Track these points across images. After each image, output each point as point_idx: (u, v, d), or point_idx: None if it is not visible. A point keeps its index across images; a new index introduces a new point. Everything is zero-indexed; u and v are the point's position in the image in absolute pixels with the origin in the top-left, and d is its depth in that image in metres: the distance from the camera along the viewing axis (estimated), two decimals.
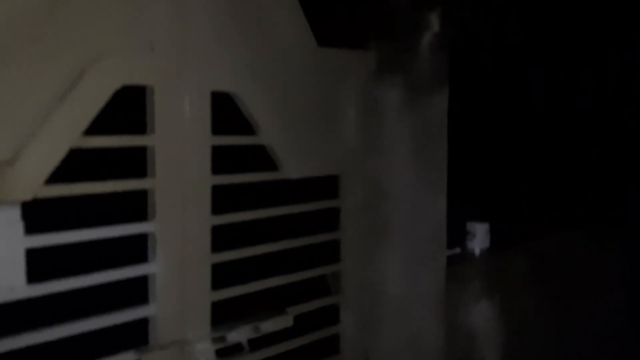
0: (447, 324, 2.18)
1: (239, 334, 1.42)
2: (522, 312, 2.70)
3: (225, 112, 1.47)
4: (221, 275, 1.48)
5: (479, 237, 2.63)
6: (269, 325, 1.50)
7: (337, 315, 1.80)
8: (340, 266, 1.79)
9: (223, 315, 1.48)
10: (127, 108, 1.31)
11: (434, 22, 2.03)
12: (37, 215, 1.16)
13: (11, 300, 1.13)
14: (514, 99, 3.03)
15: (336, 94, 1.75)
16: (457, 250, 2.57)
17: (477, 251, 2.62)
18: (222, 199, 1.48)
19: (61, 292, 1.20)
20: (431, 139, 2.08)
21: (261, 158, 1.59)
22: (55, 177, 1.18)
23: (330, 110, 1.75)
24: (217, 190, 1.46)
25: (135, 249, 1.34)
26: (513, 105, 3.03)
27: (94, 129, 1.23)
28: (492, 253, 2.63)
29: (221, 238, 1.48)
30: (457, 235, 2.57)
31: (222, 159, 1.47)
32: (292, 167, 1.62)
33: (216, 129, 1.44)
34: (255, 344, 1.52)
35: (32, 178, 1.14)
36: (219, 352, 1.43)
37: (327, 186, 1.79)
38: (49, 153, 1.16)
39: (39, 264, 1.17)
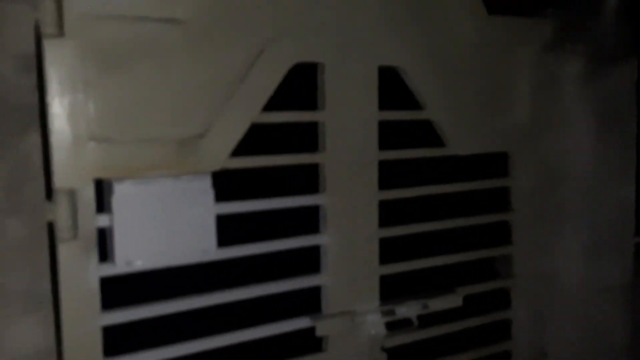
0: (634, 320, 1.97)
1: (408, 309, 1.43)
2: None
3: (392, 87, 1.49)
4: (389, 251, 1.50)
5: None
6: (438, 304, 1.48)
7: (507, 301, 1.72)
8: (512, 249, 1.71)
9: (390, 290, 1.50)
10: (301, 85, 1.38)
11: None
12: (224, 185, 1.29)
13: (203, 261, 1.26)
14: None
15: (507, 66, 1.67)
16: None
17: None
18: (388, 175, 1.49)
19: (244, 257, 1.31)
20: (617, 114, 1.88)
21: (427, 134, 1.58)
22: (239, 150, 1.30)
23: (500, 84, 1.67)
24: (384, 166, 1.48)
25: (309, 221, 1.42)
26: None
27: (270, 105, 1.32)
28: None
29: (388, 215, 1.50)
30: None
31: (388, 135, 1.49)
32: (460, 144, 1.59)
33: (383, 105, 1.46)
34: (423, 321, 1.51)
35: (220, 151, 1.26)
36: (387, 326, 1.45)
37: (496, 164, 1.71)
38: (233, 128, 1.27)
39: (226, 230, 1.29)
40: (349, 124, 1.42)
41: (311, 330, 1.39)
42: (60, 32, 1.09)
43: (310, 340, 1.41)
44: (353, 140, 1.42)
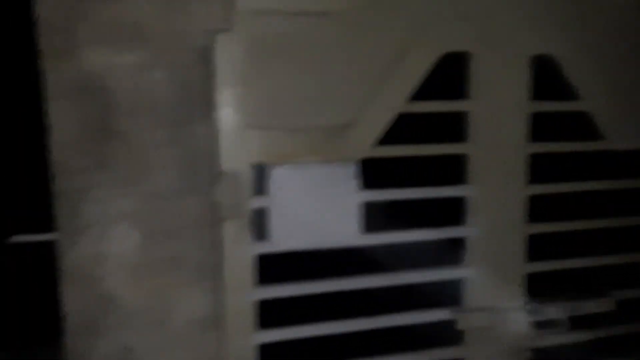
0: None
1: (558, 310, 1.36)
2: None
3: (545, 77, 1.42)
4: (536, 249, 1.44)
5: None
6: (591, 306, 1.39)
7: None
8: None
9: (535, 289, 1.44)
10: (446, 75, 1.38)
11: None
12: (368, 173, 1.32)
13: (347, 246, 1.31)
14: None
15: None
16: None
17: None
18: (539, 169, 1.43)
19: (387, 245, 1.34)
20: None
21: (582, 126, 1.49)
22: (384, 139, 1.32)
23: None
24: (534, 159, 1.42)
25: (452, 212, 1.41)
26: None
27: (417, 94, 1.33)
28: None
29: (537, 210, 1.44)
30: None
31: (540, 126, 1.42)
32: (619, 137, 1.48)
33: (536, 95, 1.41)
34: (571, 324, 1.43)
35: (366, 140, 1.30)
36: (533, 325, 1.39)
37: None
38: (379, 117, 1.30)
39: (369, 217, 1.32)
40: (497, 115, 1.38)
41: (450, 322, 1.38)
42: (229, 27, 1.19)
43: (447, 332, 1.41)
44: (501, 131, 1.39)
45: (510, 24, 1.38)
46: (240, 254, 1.23)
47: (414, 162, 1.39)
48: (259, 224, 1.29)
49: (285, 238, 1.26)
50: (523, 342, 1.42)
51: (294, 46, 1.24)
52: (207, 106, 1.15)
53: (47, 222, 1.09)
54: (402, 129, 1.35)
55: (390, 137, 1.34)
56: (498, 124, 1.39)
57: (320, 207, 1.28)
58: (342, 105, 1.29)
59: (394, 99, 1.32)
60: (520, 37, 1.39)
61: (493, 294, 1.40)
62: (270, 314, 1.29)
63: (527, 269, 1.43)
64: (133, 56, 1.10)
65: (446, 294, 1.41)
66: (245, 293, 1.23)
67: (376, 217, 1.35)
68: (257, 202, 1.26)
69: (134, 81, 1.10)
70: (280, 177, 1.26)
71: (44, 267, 1.13)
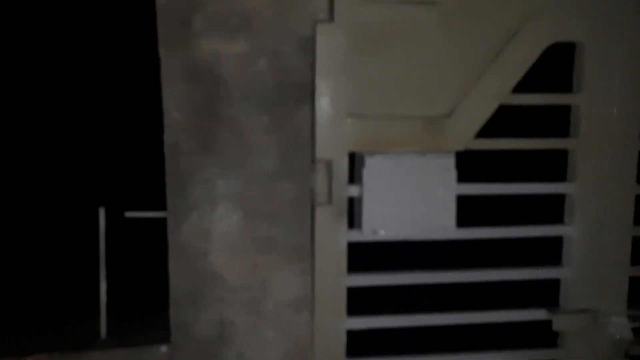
0: None
1: None
2: None
3: None
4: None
5: None
6: None
7: None
8: None
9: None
10: (549, 66, 1.32)
11: None
12: (466, 166, 1.30)
13: (442, 239, 1.30)
14: None
15: None
16: None
17: None
18: None
19: (481, 239, 1.32)
20: None
21: None
22: (484, 131, 1.30)
23: None
24: None
25: (551, 209, 1.36)
26: None
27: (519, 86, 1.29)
28: None
29: None
30: None
31: None
32: None
33: None
34: None
35: (465, 131, 1.28)
36: (636, 331, 1.32)
37: None
38: (480, 109, 1.28)
39: (466, 211, 1.30)
40: (607, 109, 1.31)
41: (545, 323, 1.34)
42: (331, 17, 1.21)
43: (542, 333, 1.36)
44: (611, 126, 1.32)
45: (624, 16, 1.30)
46: (333, 240, 1.26)
47: (512, 156, 1.35)
48: (352, 212, 1.31)
49: (378, 228, 1.27)
50: (622, 349, 1.35)
51: (396, 35, 1.25)
52: (307, 94, 1.18)
53: (160, 200, 1.17)
54: (500, 121, 1.32)
55: (487, 129, 1.31)
56: (608, 119, 1.32)
57: (415, 198, 1.28)
58: (442, 95, 1.28)
59: (496, 90, 1.28)
60: (634, 29, 1.31)
61: (592, 297, 1.34)
62: (357, 301, 1.31)
63: (632, 272, 1.35)
64: (240, 45, 1.16)
65: (542, 294, 1.37)
66: (337, 279, 1.26)
67: (470, 211, 1.33)
68: (351, 190, 1.28)
69: (240, 69, 1.15)
70: (375, 166, 1.27)
71: (155, 242, 1.22)
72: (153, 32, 1.10)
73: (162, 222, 1.17)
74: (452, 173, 1.29)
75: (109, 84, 1.59)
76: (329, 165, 1.25)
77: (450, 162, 1.29)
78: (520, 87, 1.30)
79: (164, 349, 1.19)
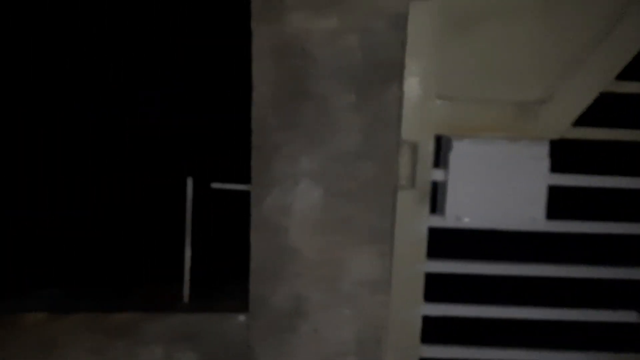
0: None
1: None
2: None
3: None
4: None
5: None
6: None
7: None
8: None
9: None
10: None
11: None
12: (561, 155, 1.23)
13: (530, 230, 1.25)
14: None
15: None
16: None
17: None
18: None
19: (573, 234, 1.25)
20: None
21: None
22: (582, 120, 1.22)
23: None
24: None
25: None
26: None
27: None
28: None
29: None
30: None
31: None
32: None
33: None
34: None
35: (562, 119, 1.21)
36: None
37: None
38: (580, 95, 1.21)
39: (558, 202, 1.24)
40: None
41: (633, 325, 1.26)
42: None
43: (631, 336, 1.28)
44: None
45: None
46: (414, 224, 1.24)
47: (610, 147, 1.27)
48: (435, 197, 1.28)
49: (462, 214, 1.23)
50: None
51: (492, 15, 1.19)
52: (396, 73, 1.16)
53: (245, 174, 1.20)
54: (597, 110, 1.24)
55: (584, 117, 1.23)
56: None
57: (503, 187, 1.23)
58: (539, 80, 1.22)
59: (599, 76, 1.20)
60: None
61: None
62: (435, 287, 1.29)
63: None
64: (331, 21, 1.15)
65: (634, 295, 1.29)
66: (415, 263, 1.24)
67: (562, 202, 1.27)
68: (435, 175, 1.25)
69: (329, 45, 1.15)
70: (462, 151, 1.23)
71: (238, 214, 1.26)
72: (244, 7, 1.12)
73: (246, 195, 1.21)
74: (545, 162, 1.22)
75: (200, 58, 1.65)
76: (413, 147, 1.23)
77: (544, 150, 1.22)
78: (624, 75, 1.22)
79: (241, 318, 1.23)
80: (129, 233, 1.68)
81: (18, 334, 1.21)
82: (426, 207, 1.25)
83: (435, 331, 1.30)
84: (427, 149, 1.24)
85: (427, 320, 1.28)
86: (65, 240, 1.65)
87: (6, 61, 1.68)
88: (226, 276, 1.34)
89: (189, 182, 1.27)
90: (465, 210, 1.24)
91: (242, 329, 1.25)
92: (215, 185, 1.25)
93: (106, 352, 1.23)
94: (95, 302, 1.26)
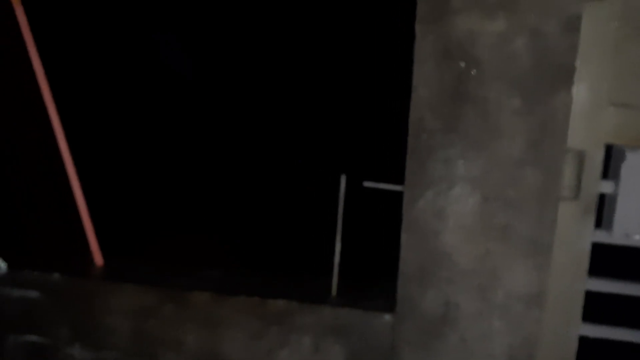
0: None
1: None
2: None
3: None
4: None
5: None
6: None
7: None
8: None
9: None
10: None
11: None
12: None
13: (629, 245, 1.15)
14: None
15: None
16: None
17: None
18: None
19: None
20: None
21: None
22: None
23: None
24: None
25: None
26: None
27: None
28: None
29: None
30: None
31: None
32: None
33: None
34: None
35: None
36: None
37: None
38: None
39: None
40: None
41: None
42: None
43: None
44: None
45: None
46: (576, 238, 1.18)
47: None
48: (600, 211, 1.20)
49: (632, 231, 1.15)
50: None
51: None
52: (566, 78, 1.11)
53: (398, 174, 1.22)
54: None
55: None
56: None
57: None
58: None
59: None
60: None
61: None
62: (595, 308, 1.21)
63: None
64: (498, 23, 1.13)
65: None
66: (575, 280, 1.18)
67: None
68: (604, 187, 1.17)
69: (495, 48, 1.13)
70: (636, 163, 1.14)
71: (389, 214, 1.29)
72: (408, 10, 1.13)
73: (398, 195, 1.22)
74: None
75: (362, 59, 1.70)
76: (580, 156, 1.17)
77: None
78: None
79: (387, 317, 1.25)
80: (286, 225, 1.79)
81: (188, 310, 1.34)
82: (591, 221, 1.18)
83: (592, 354, 1.23)
84: (596, 159, 1.17)
85: (583, 341, 1.22)
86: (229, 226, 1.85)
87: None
88: (373, 274, 1.37)
89: (342, 180, 1.32)
90: (636, 227, 1.15)
91: (388, 329, 1.27)
92: (368, 183, 1.28)
93: (262, 336, 1.32)
94: (252, 287, 1.36)
